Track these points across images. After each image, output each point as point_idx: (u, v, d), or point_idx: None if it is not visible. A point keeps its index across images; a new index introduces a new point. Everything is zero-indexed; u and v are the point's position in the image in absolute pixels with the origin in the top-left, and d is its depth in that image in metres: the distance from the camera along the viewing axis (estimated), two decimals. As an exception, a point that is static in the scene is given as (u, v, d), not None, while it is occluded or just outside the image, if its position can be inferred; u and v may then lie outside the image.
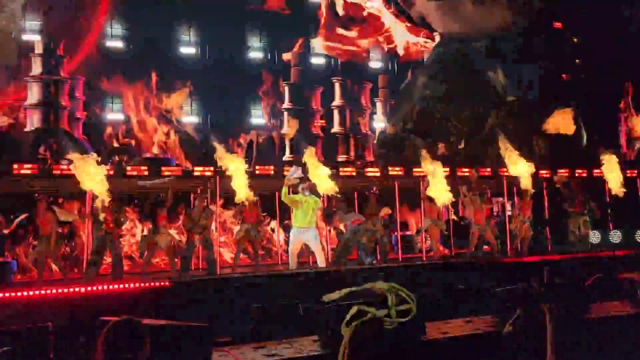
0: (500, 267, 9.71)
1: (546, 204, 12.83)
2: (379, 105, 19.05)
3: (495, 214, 15.42)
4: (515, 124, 14.75)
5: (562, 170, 12.76)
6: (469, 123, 15.07)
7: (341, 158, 16.37)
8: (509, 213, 13.47)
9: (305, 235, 9.62)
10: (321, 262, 9.74)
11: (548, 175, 12.66)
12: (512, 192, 13.05)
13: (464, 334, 4.96)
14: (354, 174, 11.97)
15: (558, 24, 19.44)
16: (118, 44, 17.89)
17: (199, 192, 10.24)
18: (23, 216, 9.58)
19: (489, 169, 12.63)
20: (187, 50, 18.33)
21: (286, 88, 16.25)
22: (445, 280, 8.61)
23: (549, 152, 14.93)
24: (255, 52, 19.49)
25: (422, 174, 11.88)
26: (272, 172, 10.70)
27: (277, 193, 11.75)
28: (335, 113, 16.79)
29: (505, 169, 12.57)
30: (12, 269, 10.33)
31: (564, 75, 17.73)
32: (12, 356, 4.36)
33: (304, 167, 10.09)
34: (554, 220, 12.57)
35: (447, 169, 12.08)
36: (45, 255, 9.18)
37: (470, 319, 5.50)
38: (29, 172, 9.46)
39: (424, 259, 11.33)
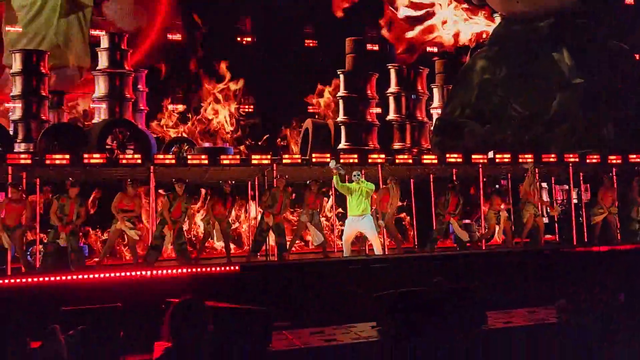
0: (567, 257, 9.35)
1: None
2: (435, 91, 18.59)
3: (559, 202, 14.82)
4: (582, 108, 14.01)
5: (634, 156, 12.07)
6: (531, 108, 14.45)
7: (397, 146, 16.10)
8: (575, 201, 12.92)
9: (361, 224, 9.60)
10: (377, 250, 9.72)
11: (620, 162, 12.03)
12: (579, 179, 12.51)
13: (526, 324, 4.81)
14: (410, 161, 11.84)
15: (630, 0, 18.24)
16: (177, 36, 18.42)
17: (278, 176, 10.34)
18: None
19: (553, 155, 12.13)
20: (244, 38, 18.61)
21: (341, 76, 16.12)
22: (506, 270, 8.37)
23: (618, 138, 14.11)
24: (310, 39, 19.56)
25: (482, 160, 11.60)
26: (328, 160, 10.75)
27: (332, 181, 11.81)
28: (391, 100, 16.50)
29: (571, 155, 12.06)
30: (84, 253, 10.96)
31: (636, 55, 16.64)
32: (87, 333, 4.65)
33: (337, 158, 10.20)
34: (624, 209, 11.94)
35: (509, 156, 11.73)
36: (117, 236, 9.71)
37: (534, 310, 5.33)
38: (97, 161, 10.02)
39: (483, 247, 11.09)
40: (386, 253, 10.16)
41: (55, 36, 17.33)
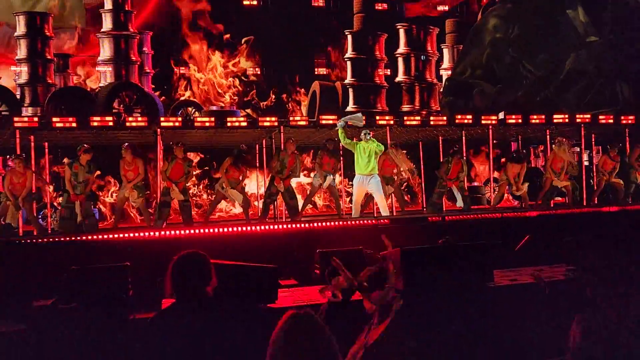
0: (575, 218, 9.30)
1: (628, 151, 12.02)
2: (445, 51, 18.21)
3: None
4: (597, 66, 13.68)
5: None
6: (544, 67, 14.13)
7: (406, 108, 15.88)
8: (586, 163, 12.78)
9: (368, 184, 9.56)
10: (384, 211, 9.71)
11: (633, 122, 11.81)
12: (590, 141, 12.32)
13: (533, 281, 4.80)
14: (419, 122, 11.69)
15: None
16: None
17: (287, 139, 10.24)
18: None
19: (565, 116, 11.92)
20: (250, 1, 18.22)
21: (349, 36, 15.79)
22: (514, 230, 8.35)
23: (633, 96, 13.81)
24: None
25: (492, 121, 11.42)
26: (336, 122, 10.64)
27: (341, 143, 11.71)
28: (400, 61, 16.18)
29: (582, 116, 11.84)
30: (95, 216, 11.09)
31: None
32: (96, 292, 4.74)
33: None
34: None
35: (519, 116, 11.54)
36: (124, 202, 9.79)
37: (541, 268, 5.32)
38: (105, 124, 10.00)
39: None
40: (394, 214, 10.16)
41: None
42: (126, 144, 9.53)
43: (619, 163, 11.19)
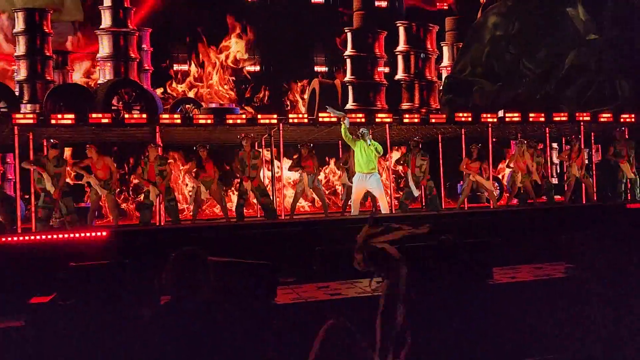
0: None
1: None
2: (445, 49, 18.18)
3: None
4: (597, 64, 13.66)
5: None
6: (544, 64, 14.10)
7: (405, 105, 15.84)
8: (585, 161, 12.80)
9: (368, 182, 9.56)
10: (384, 209, 9.72)
11: (633, 120, 11.81)
12: (590, 138, 12.33)
13: (532, 279, 4.81)
14: (418, 120, 11.67)
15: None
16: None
17: (242, 135, 10.28)
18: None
19: (565, 114, 11.91)
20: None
21: (348, 34, 15.74)
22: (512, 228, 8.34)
23: (634, 94, 13.80)
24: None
25: (491, 119, 11.41)
26: (335, 120, 10.63)
27: (340, 141, 11.72)
28: (400, 59, 16.13)
29: (583, 114, 11.83)
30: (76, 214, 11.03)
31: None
32: (97, 288, 4.73)
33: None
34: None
35: (519, 114, 11.53)
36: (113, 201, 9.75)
37: (541, 266, 5.32)
38: (103, 121, 9.97)
39: (491, 207, 11.05)
40: (394, 212, 10.16)
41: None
42: (88, 144, 9.55)
43: (586, 158, 11.37)
